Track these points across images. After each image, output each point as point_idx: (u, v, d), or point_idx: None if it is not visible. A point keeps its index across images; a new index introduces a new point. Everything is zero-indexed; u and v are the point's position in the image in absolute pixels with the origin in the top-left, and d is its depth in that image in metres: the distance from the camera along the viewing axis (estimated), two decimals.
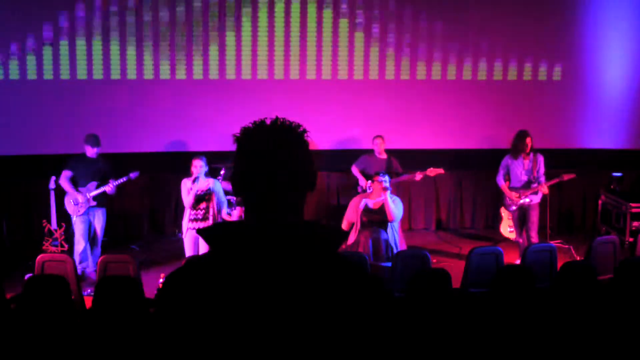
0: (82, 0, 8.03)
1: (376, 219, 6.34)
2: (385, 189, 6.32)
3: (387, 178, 6.41)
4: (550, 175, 7.31)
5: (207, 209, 6.40)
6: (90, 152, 6.82)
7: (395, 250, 6.22)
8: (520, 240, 7.42)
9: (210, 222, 6.37)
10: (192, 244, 6.50)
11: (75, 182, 6.85)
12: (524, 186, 7.26)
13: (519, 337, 4.17)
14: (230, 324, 1.47)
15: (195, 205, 6.36)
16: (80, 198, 6.78)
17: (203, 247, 6.48)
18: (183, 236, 6.59)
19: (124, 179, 6.86)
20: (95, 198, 6.85)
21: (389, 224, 6.24)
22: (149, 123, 8.38)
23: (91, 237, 6.96)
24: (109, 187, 6.80)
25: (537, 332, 4.24)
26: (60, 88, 8.14)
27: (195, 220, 6.41)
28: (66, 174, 6.84)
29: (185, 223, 6.48)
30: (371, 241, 6.22)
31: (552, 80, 8.93)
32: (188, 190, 6.34)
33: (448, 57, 8.74)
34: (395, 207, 6.34)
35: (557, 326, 4.35)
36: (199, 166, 6.30)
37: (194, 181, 6.32)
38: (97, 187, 6.84)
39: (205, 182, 6.38)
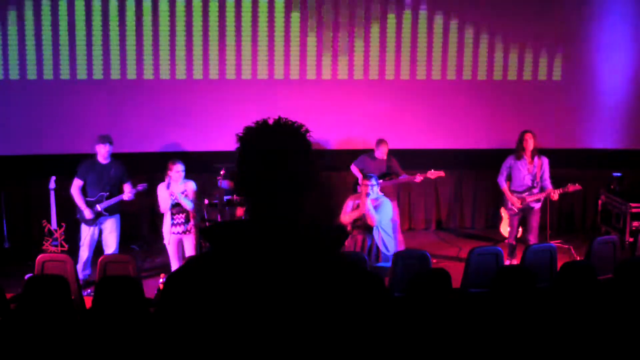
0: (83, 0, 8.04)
1: (362, 222, 6.12)
2: (367, 194, 6.05)
3: (374, 182, 6.13)
4: (554, 179, 7.25)
5: (187, 212, 6.30)
6: (104, 153, 6.55)
7: (384, 253, 6.09)
8: (514, 242, 7.38)
9: (192, 224, 6.31)
10: (176, 249, 6.39)
11: (85, 190, 6.62)
12: (527, 190, 7.17)
13: (519, 337, 4.17)
14: (231, 323, 1.48)
15: (172, 209, 6.28)
16: (87, 214, 6.54)
17: (188, 251, 6.36)
18: (166, 243, 6.43)
19: (134, 191, 6.65)
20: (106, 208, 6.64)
21: (375, 227, 6.09)
22: (148, 123, 8.37)
23: (101, 245, 6.72)
24: (124, 196, 6.57)
25: (537, 332, 4.24)
26: (61, 88, 8.14)
27: (178, 224, 6.32)
28: (77, 183, 6.57)
29: (167, 229, 6.35)
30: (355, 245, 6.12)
31: (553, 80, 8.93)
32: (169, 195, 6.27)
33: (448, 57, 8.74)
34: (379, 211, 6.07)
35: (557, 326, 4.35)
36: (180, 170, 6.22)
37: (167, 186, 6.25)
38: (109, 197, 6.61)
39: (181, 186, 6.29)
